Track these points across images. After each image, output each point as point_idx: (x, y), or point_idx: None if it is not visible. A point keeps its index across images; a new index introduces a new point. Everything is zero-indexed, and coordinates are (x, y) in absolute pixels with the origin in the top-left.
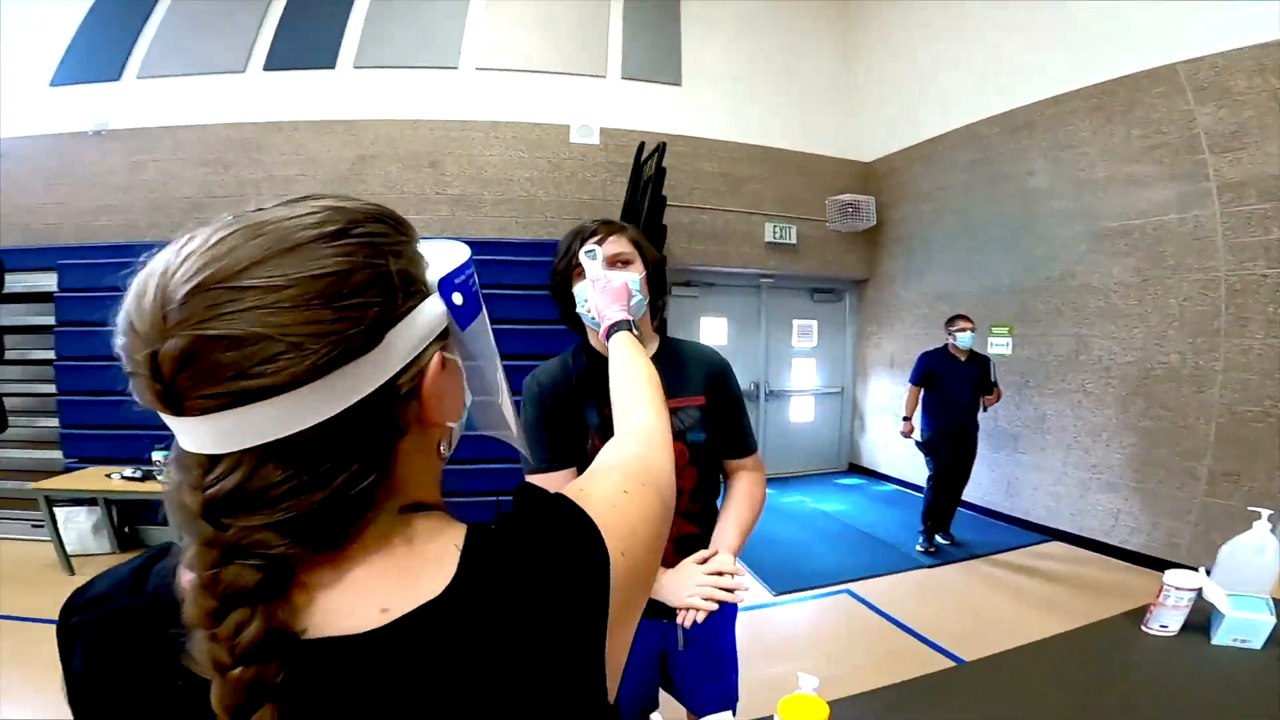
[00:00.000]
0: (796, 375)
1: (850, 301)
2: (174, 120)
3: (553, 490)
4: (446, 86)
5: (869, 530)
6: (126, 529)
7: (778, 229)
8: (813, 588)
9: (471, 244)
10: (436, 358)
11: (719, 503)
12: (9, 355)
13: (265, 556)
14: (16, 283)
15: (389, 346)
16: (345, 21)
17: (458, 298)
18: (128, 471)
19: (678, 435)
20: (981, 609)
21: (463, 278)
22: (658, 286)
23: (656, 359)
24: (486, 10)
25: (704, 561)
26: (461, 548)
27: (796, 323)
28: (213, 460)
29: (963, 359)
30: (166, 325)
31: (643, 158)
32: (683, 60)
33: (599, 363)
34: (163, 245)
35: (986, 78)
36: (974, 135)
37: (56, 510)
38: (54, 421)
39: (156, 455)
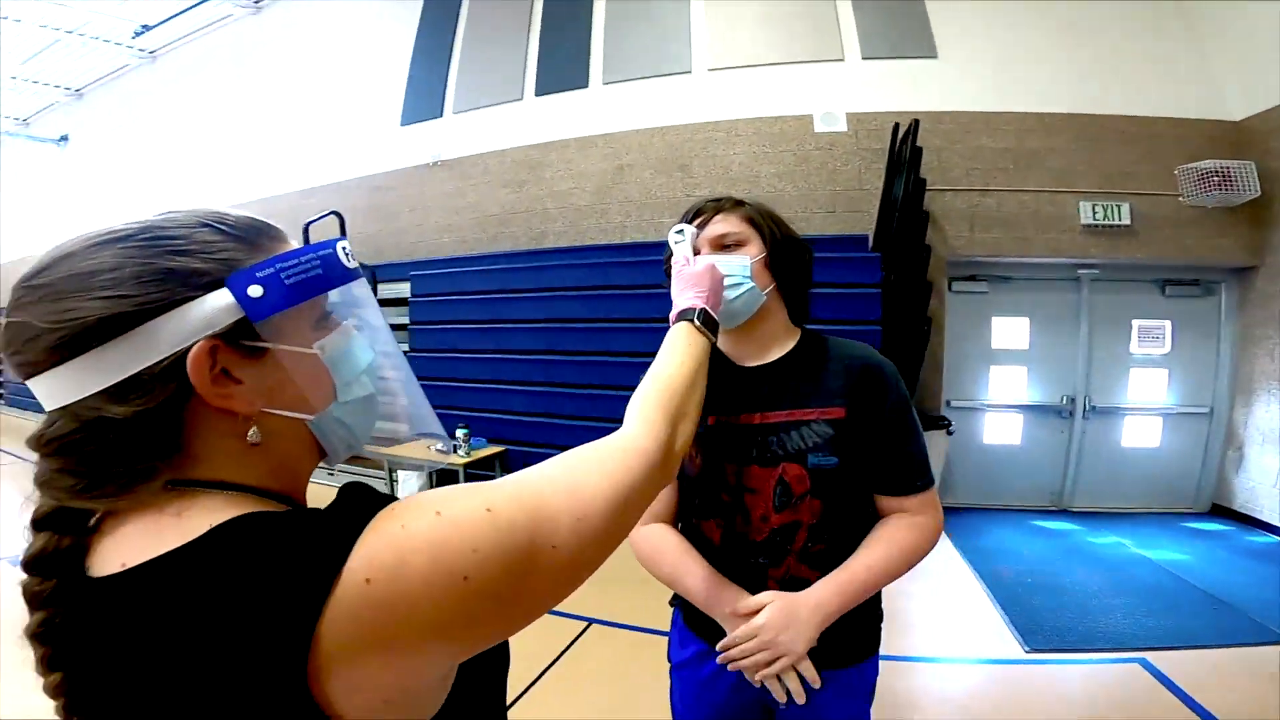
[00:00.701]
0: (1136, 389)
1: (1227, 296)
2: (482, 148)
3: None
4: (684, 91)
5: (1214, 590)
6: None
7: (1100, 208)
8: (1088, 650)
9: None
10: (200, 345)
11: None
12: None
13: (53, 494)
14: (386, 291)
15: (151, 333)
16: (589, 43)
17: (255, 290)
18: (439, 445)
19: (795, 456)
20: None
21: (269, 271)
22: (789, 272)
23: (790, 359)
24: (707, 13)
25: (752, 612)
26: (214, 527)
27: (1138, 323)
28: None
29: None
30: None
31: (897, 140)
32: (934, 29)
33: (710, 364)
34: (484, 258)
35: None
36: None
37: (399, 473)
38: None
39: (460, 433)
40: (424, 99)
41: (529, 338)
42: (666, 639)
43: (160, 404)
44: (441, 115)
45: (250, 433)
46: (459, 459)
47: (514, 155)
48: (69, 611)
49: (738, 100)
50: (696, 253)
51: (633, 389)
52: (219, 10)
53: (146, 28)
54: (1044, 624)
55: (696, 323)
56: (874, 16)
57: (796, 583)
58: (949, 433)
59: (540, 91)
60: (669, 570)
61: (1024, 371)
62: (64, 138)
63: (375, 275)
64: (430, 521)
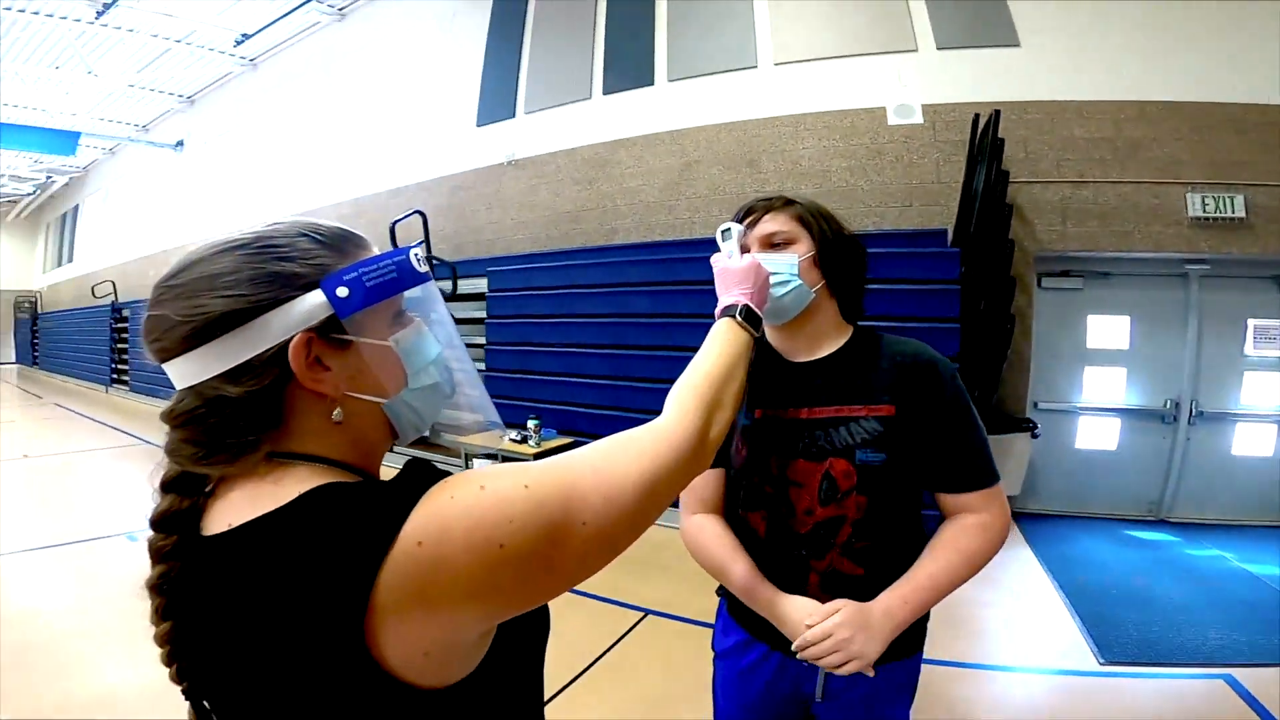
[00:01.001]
0: (1251, 394)
1: None
2: (552, 147)
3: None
4: (750, 87)
5: None
6: None
7: (1211, 200)
8: (1170, 664)
9: None
10: (299, 337)
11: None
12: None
13: (179, 460)
14: (466, 286)
15: (261, 326)
16: (652, 40)
17: (342, 291)
18: (513, 435)
19: (843, 451)
20: None
21: (354, 274)
22: (838, 269)
23: (841, 355)
24: (771, 8)
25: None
26: (302, 494)
27: (1254, 323)
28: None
29: None
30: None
31: (977, 131)
32: (1014, 17)
33: (760, 358)
34: (557, 254)
35: None
36: None
37: (474, 462)
38: (467, 390)
39: (530, 423)
40: (497, 100)
41: (599, 332)
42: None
43: (266, 386)
44: (514, 116)
45: (335, 413)
46: (529, 449)
47: (584, 153)
48: (183, 566)
49: (806, 94)
50: (745, 250)
51: None
52: (308, 18)
53: (246, 36)
54: (1124, 636)
55: (738, 318)
56: (948, 5)
57: (838, 577)
58: (1034, 435)
59: (607, 90)
60: (712, 560)
61: (1123, 373)
62: (180, 143)
63: (455, 271)
64: (475, 494)
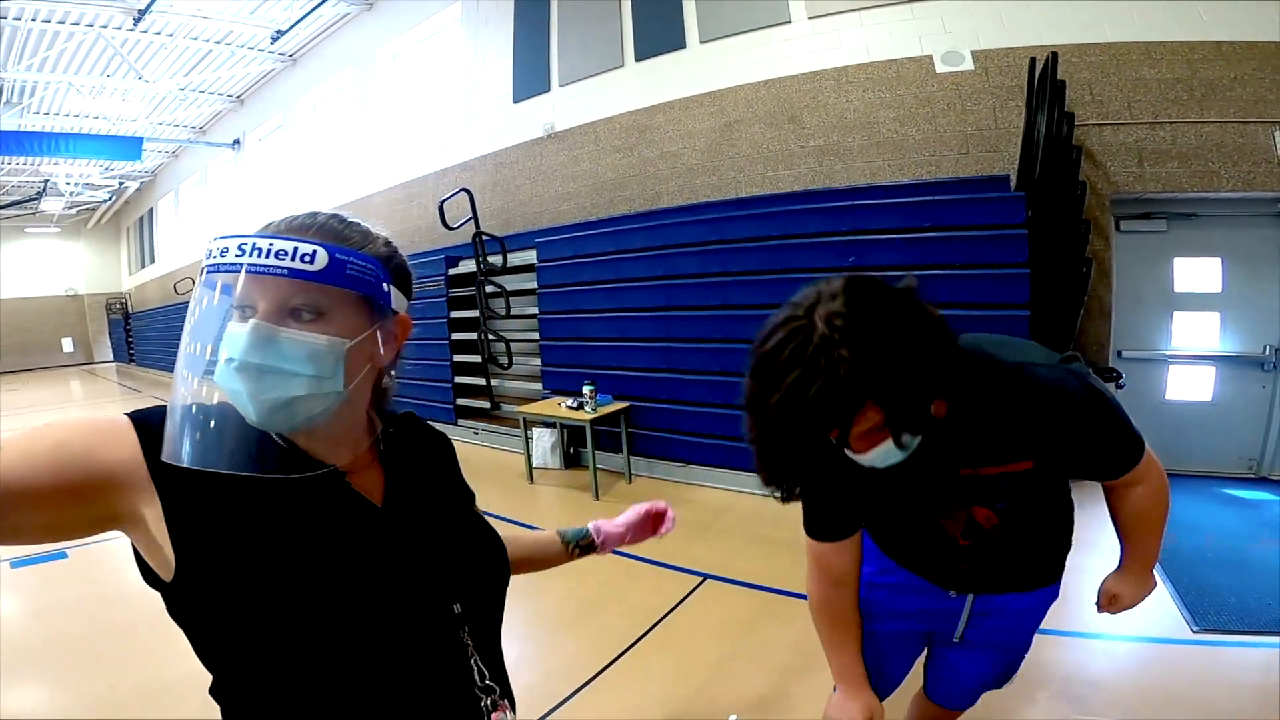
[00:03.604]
0: None
1: None
2: (590, 117)
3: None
4: (786, 42)
5: None
6: (571, 450)
7: None
8: (1271, 633)
9: (844, 192)
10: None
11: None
12: (512, 312)
13: None
14: (516, 259)
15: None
16: (680, 3)
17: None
18: (569, 402)
19: (983, 501)
20: None
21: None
22: (933, 394)
23: (966, 421)
24: None
25: None
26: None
27: None
28: None
29: None
30: None
31: (1035, 75)
32: None
33: None
34: (603, 222)
35: None
36: None
37: (533, 430)
38: (538, 360)
39: (586, 389)
40: (531, 75)
41: (649, 295)
42: (778, 595)
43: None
44: (549, 90)
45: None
46: (585, 415)
47: (621, 121)
48: None
49: (845, 47)
50: None
51: (750, 342)
52: (336, 10)
53: (280, 33)
54: (1220, 603)
55: None
56: None
57: (976, 526)
58: (1119, 386)
59: (639, 57)
60: (828, 634)
61: (1215, 318)
62: (236, 141)
63: (504, 245)
64: None
